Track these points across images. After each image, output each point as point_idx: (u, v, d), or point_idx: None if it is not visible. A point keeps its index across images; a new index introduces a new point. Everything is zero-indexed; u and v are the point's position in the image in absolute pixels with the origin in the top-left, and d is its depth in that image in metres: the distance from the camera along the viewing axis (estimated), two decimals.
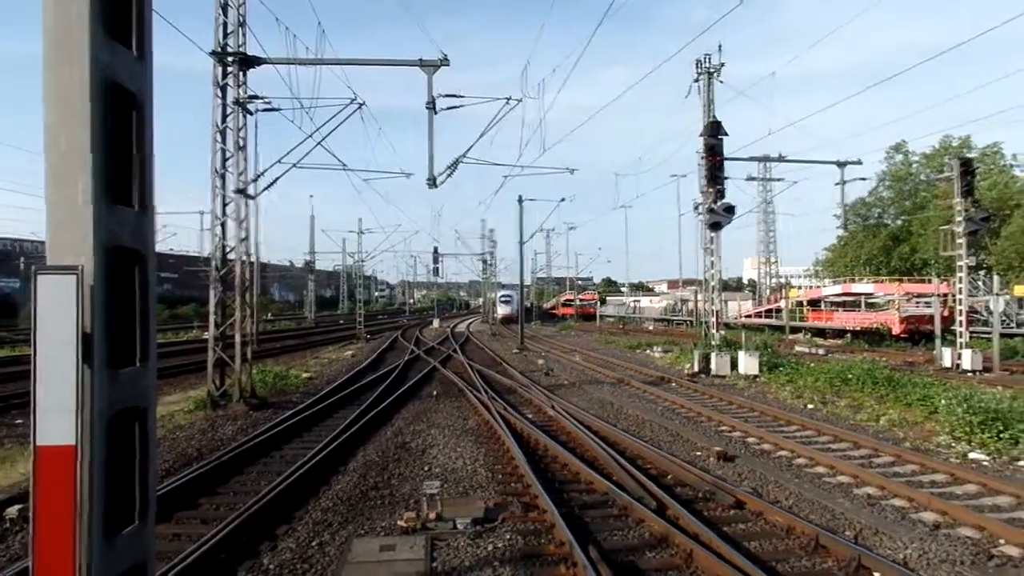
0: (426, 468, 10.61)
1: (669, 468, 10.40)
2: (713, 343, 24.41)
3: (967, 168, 24.36)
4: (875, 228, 57.70)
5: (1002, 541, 7.33)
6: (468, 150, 20.73)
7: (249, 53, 16.48)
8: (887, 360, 25.14)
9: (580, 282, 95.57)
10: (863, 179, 32.50)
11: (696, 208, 26.98)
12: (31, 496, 2.28)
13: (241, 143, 16.57)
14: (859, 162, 28.68)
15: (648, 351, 33.63)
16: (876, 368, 19.16)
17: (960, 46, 43.65)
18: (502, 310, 69.76)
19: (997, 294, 26.18)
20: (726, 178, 22.29)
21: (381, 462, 11.00)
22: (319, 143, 17.76)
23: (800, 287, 62.87)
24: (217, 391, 16.46)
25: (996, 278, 29.08)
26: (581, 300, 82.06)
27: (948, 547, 7.12)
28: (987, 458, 11.23)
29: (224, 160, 16.42)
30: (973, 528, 7.75)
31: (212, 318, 16.55)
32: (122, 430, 2.52)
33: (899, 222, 56.29)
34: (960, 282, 24.49)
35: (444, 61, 16.40)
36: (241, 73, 16.49)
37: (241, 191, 16.58)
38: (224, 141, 16.39)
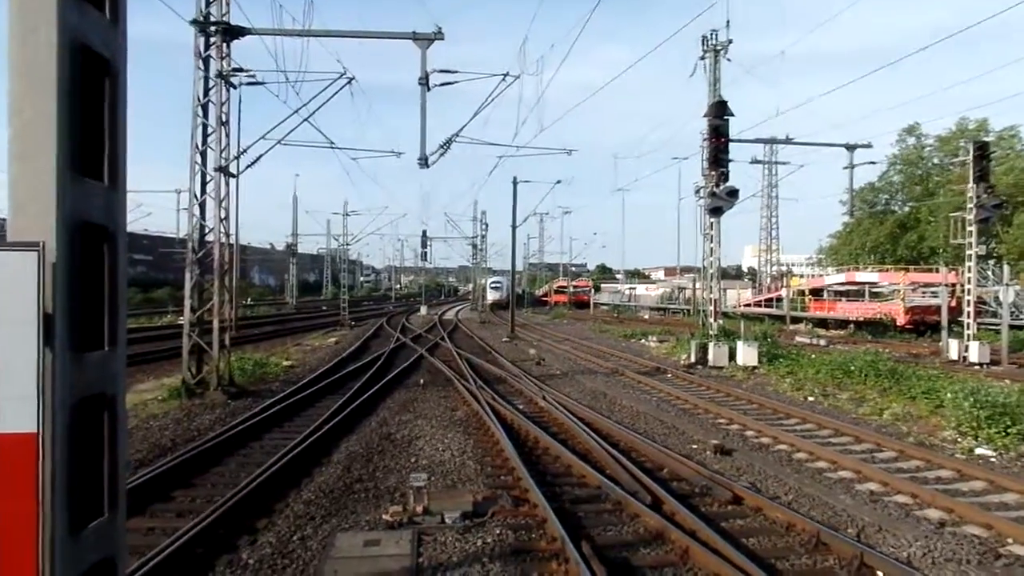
0: (412, 460, 10.60)
1: (664, 462, 10.42)
2: (711, 333, 24.46)
3: (983, 152, 24.35)
4: (882, 215, 57.83)
5: (1010, 540, 7.37)
6: (462, 129, 20.60)
7: (233, 22, 16.28)
8: (891, 352, 25.25)
9: (574, 268, 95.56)
10: (873, 163, 32.60)
11: (697, 192, 26.98)
12: None
13: (224, 118, 16.40)
14: (869, 145, 28.80)
15: (643, 340, 33.71)
16: (880, 360, 19.25)
17: (981, 23, 43.66)
18: (492, 296, 69.71)
19: (1007, 284, 26.27)
20: (730, 160, 22.26)
21: (365, 454, 10.99)
22: (306, 119, 17.66)
23: (802, 276, 63.05)
24: (193, 379, 16.36)
25: (1007, 267, 29.18)
26: (575, 287, 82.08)
27: (954, 545, 7.16)
28: (994, 454, 11.31)
29: (205, 135, 16.26)
30: (980, 526, 7.80)
31: (188, 302, 16.44)
32: (89, 418, 2.46)
33: (907, 209, 56.45)
34: (969, 271, 24.60)
35: (438, 35, 16.28)
36: (224, 44, 16.27)
37: (222, 169, 16.42)
38: (205, 116, 16.23)
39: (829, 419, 13.81)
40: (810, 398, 16.94)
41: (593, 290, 76.93)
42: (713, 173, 22.07)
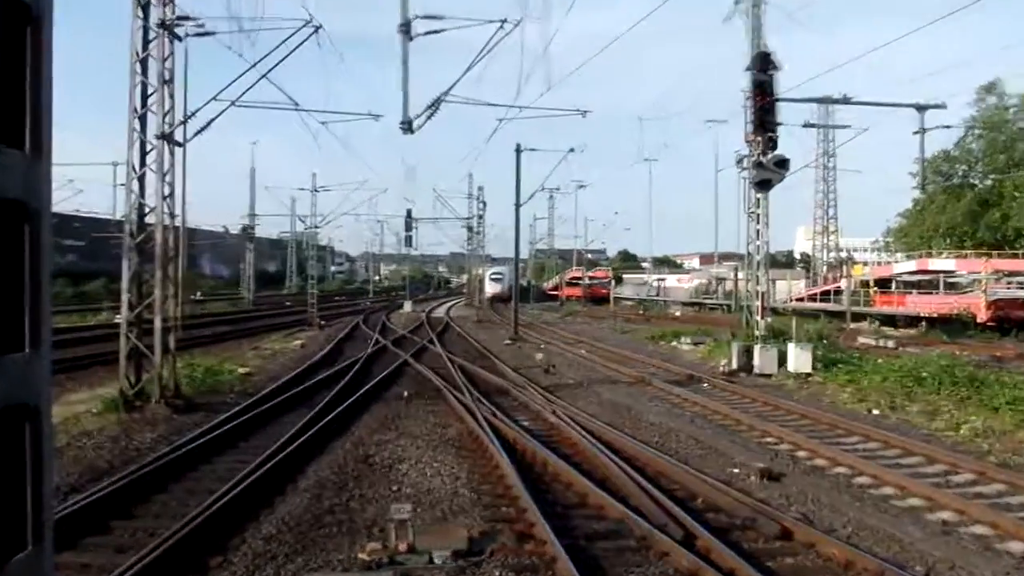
0: (395, 488, 10.65)
1: (699, 489, 10.46)
2: (757, 333, 24.48)
3: None
4: (959, 189, 57.63)
5: None
6: (452, 86, 20.44)
7: None
8: (970, 354, 25.27)
9: (590, 256, 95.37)
10: (947, 127, 32.42)
11: (739, 162, 26.83)
12: None
13: (167, 76, 16.44)
14: (943, 106, 28.61)
15: (675, 343, 33.73)
16: (956, 364, 19.29)
17: None
18: (491, 289, 69.71)
19: None
20: (778, 124, 22.22)
21: (338, 480, 11.03)
22: (264, 75, 17.65)
23: (865, 263, 63.01)
24: (132, 389, 16.42)
25: None
26: (591, 278, 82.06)
27: None
28: None
29: (145, 97, 16.29)
30: None
31: (126, 297, 16.50)
32: (7, 434, 2.49)
33: (989, 182, 56.25)
34: None
35: None
36: None
37: (165, 136, 16.43)
38: (145, 73, 16.25)
39: (896, 436, 13.85)
40: (874, 411, 16.97)
41: (613, 282, 76.82)
42: (758, 139, 22.04)
